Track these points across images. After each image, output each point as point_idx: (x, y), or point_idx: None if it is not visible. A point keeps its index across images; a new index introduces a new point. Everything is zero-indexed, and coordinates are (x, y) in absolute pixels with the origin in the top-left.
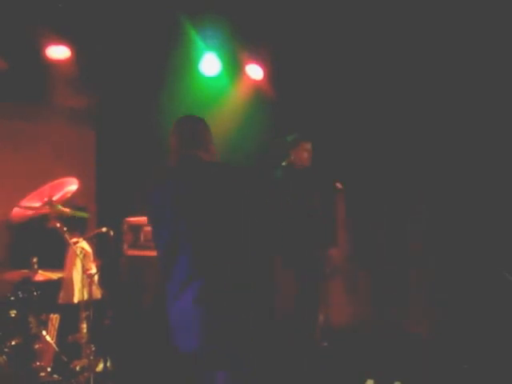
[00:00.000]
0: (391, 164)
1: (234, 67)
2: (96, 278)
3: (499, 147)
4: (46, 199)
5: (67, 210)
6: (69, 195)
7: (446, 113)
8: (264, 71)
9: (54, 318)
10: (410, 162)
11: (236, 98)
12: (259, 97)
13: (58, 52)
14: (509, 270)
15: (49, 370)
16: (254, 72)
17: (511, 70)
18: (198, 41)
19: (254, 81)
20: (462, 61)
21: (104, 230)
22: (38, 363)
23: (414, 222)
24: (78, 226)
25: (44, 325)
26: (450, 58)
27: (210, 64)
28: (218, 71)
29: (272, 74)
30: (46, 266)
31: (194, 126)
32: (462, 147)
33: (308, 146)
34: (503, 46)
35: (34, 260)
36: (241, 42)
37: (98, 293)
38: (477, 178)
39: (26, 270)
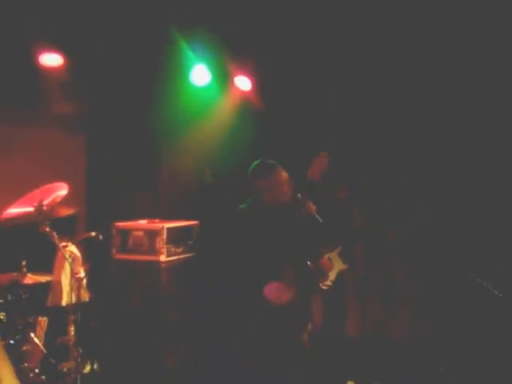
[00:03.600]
0: (385, 166)
1: (223, 78)
2: (84, 281)
3: (496, 150)
4: (36, 204)
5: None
6: (59, 200)
7: (443, 117)
8: (252, 83)
9: (43, 320)
10: (405, 164)
11: (225, 107)
12: (247, 107)
13: (51, 59)
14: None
15: (37, 371)
16: (243, 83)
17: (509, 70)
18: (188, 52)
19: (243, 92)
20: (455, 66)
21: (93, 234)
22: (26, 364)
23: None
24: (67, 231)
25: (32, 327)
26: (439, 65)
27: (200, 74)
28: (208, 82)
29: (260, 85)
30: (34, 269)
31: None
32: (459, 150)
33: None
34: (503, 46)
35: (23, 263)
36: (230, 54)
37: (85, 296)
38: (473, 182)
39: (15, 273)
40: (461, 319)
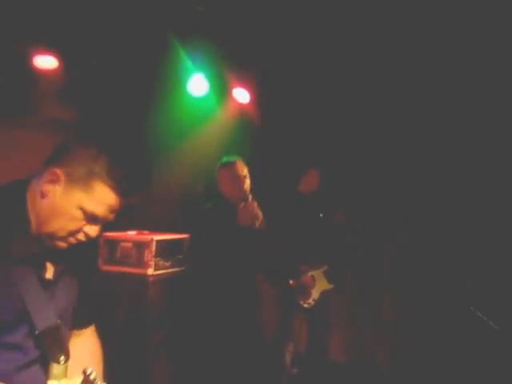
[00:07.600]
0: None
1: (221, 90)
2: None
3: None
4: None
5: None
6: None
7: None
8: (250, 95)
9: None
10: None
11: (222, 119)
12: (245, 120)
13: (46, 62)
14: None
15: None
16: (241, 95)
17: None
18: (186, 61)
19: (241, 104)
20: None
21: None
22: None
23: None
24: None
25: None
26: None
27: (198, 84)
28: (205, 92)
29: (258, 98)
30: None
31: None
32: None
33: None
34: (503, 46)
35: None
36: (228, 65)
37: None
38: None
39: None
40: (452, 345)
